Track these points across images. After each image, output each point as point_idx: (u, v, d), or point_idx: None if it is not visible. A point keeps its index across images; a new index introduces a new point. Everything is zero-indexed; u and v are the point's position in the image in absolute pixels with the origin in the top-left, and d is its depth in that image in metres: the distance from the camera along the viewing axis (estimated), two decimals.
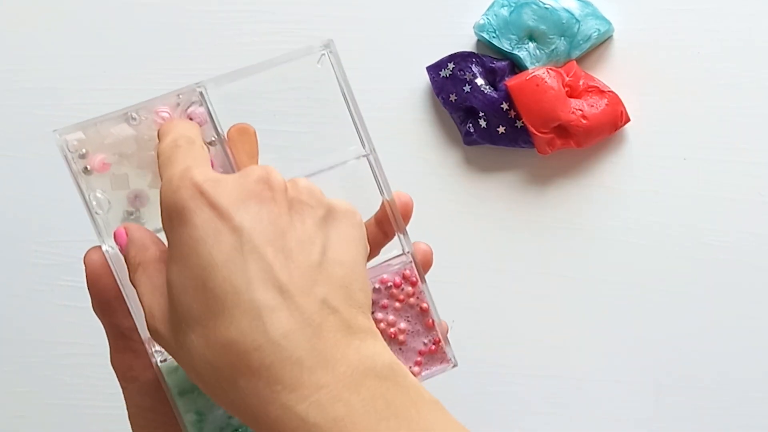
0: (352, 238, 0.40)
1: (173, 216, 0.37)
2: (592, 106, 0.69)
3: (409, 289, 0.48)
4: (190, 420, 0.45)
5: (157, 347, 0.45)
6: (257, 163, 0.45)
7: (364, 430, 0.34)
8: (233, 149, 0.45)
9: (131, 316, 0.43)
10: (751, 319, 0.71)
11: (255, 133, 0.46)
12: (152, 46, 0.72)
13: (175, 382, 0.45)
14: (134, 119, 0.43)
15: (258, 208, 0.36)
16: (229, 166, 0.45)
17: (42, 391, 0.73)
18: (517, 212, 0.71)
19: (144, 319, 0.40)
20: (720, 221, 0.70)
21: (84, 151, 0.42)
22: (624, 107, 0.69)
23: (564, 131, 0.69)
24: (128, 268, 0.41)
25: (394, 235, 0.48)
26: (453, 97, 0.70)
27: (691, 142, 0.70)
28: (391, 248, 0.49)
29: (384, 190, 0.47)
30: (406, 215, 0.47)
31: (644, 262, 0.71)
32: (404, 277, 0.48)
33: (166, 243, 0.39)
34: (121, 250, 0.41)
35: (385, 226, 0.48)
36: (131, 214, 0.44)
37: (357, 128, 0.46)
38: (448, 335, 0.50)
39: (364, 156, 0.47)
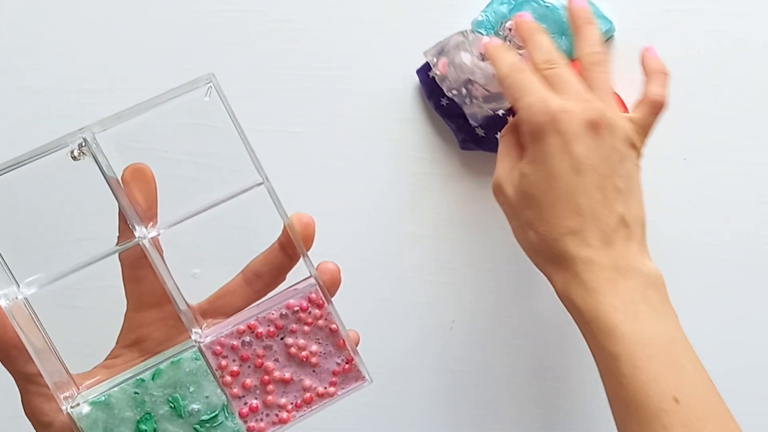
0: (639, 183, 0.56)
1: (534, 133, 0.54)
2: None
3: (317, 311, 0.49)
4: None
5: (66, 393, 0.45)
6: (155, 201, 0.47)
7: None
8: (128, 190, 0.45)
9: (33, 363, 0.44)
10: (750, 319, 0.71)
11: (151, 172, 0.46)
12: (154, 45, 0.72)
13: (87, 426, 0.45)
14: None
15: (590, 142, 0.53)
16: (126, 209, 0.45)
17: None
18: None
19: (51, 364, 0.45)
20: (720, 221, 0.70)
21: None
22: (626, 108, 0.69)
23: None
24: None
25: (299, 258, 0.48)
26: (444, 101, 0.70)
27: (691, 142, 0.70)
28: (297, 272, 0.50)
29: (282, 215, 0.47)
30: (308, 237, 0.48)
31: None
32: (310, 301, 0.49)
33: None
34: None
35: (289, 249, 0.49)
36: None
37: (250, 156, 0.46)
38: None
39: (260, 184, 0.47)
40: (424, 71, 0.70)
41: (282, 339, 0.48)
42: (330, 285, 0.49)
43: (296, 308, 0.49)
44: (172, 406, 0.47)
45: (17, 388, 0.46)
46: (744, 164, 0.70)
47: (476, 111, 0.67)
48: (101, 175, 0.45)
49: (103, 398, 0.46)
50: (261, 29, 0.71)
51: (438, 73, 0.67)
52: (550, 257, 0.55)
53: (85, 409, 0.45)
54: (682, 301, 0.72)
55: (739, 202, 0.70)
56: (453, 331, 0.72)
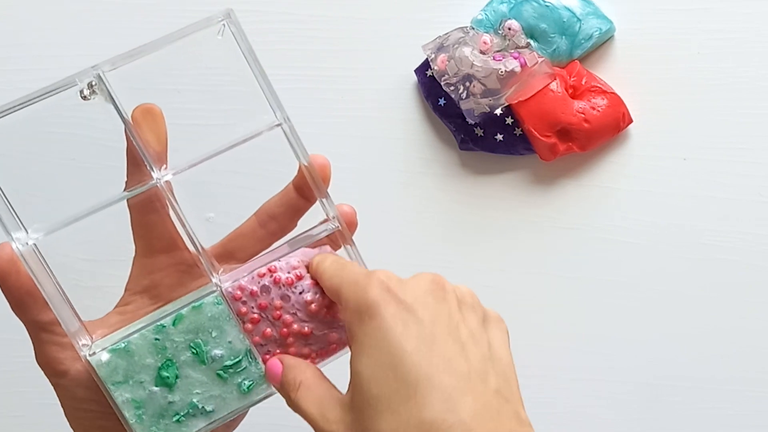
0: (504, 340, 0.44)
1: (363, 310, 0.41)
2: (594, 108, 0.69)
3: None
4: (129, 411, 0.44)
5: (83, 341, 0.44)
6: (166, 143, 0.45)
7: None
8: (139, 131, 0.44)
9: (50, 309, 0.43)
10: (750, 319, 0.71)
11: (161, 113, 0.44)
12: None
13: (107, 374, 0.44)
14: None
15: (435, 304, 0.41)
16: (142, 149, 0.43)
17: (42, 392, 0.73)
18: (516, 212, 0.71)
19: (65, 312, 0.43)
20: (720, 221, 0.70)
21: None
22: (626, 109, 0.69)
23: (566, 134, 0.69)
24: (288, 390, 0.44)
25: (316, 200, 0.47)
26: (442, 101, 0.70)
27: (691, 142, 0.70)
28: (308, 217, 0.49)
29: (300, 156, 0.46)
30: (325, 179, 0.47)
31: (644, 262, 0.71)
32: (331, 240, 0.48)
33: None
34: (275, 378, 0.45)
35: (305, 191, 0.48)
36: None
37: (267, 97, 0.45)
38: None
39: (277, 125, 0.45)
40: (423, 71, 0.70)
41: (300, 293, 0.46)
42: (348, 226, 0.48)
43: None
44: (195, 351, 0.45)
45: (30, 338, 0.45)
46: (744, 164, 0.70)
47: (473, 107, 0.67)
48: (114, 114, 0.43)
49: (122, 345, 0.44)
50: (260, 29, 0.71)
51: (436, 68, 0.67)
52: None
53: (105, 356, 0.44)
54: (682, 300, 0.72)
55: (739, 202, 0.70)
56: None
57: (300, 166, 0.46)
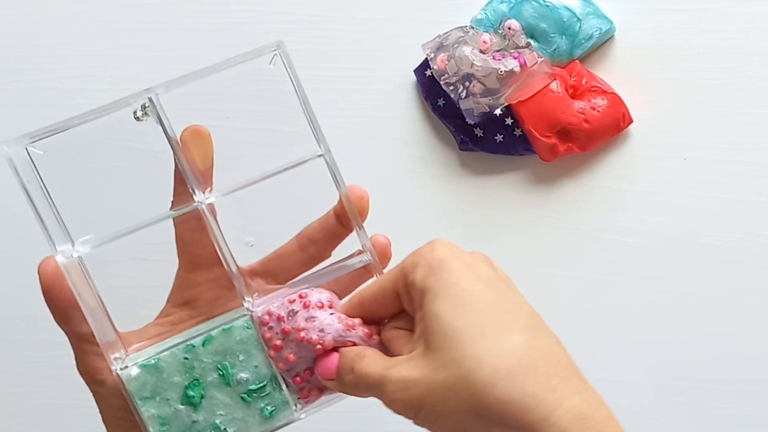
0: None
1: (434, 265, 0.44)
2: (595, 108, 0.69)
3: None
4: (154, 426, 0.45)
5: (116, 354, 0.45)
6: (212, 164, 0.47)
7: None
8: (186, 152, 0.45)
9: (87, 322, 0.44)
10: (750, 319, 0.71)
11: (209, 135, 0.46)
12: (154, 46, 0.72)
13: (136, 389, 0.45)
14: None
15: (488, 269, 0.45)
16: (187, 171, 0.45)
17: (42, 391, 0.73)
18: (516, 212, 0.71)
19: (102, 324, 0.44)
20: (720, 221, 0.70)
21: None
22: (627, 109, 0.69)
23: (566, 135, 0.69)
24: (345, 371, 0.45)
25: (352, 229, 0.49)
26: (441, 102, 0.70)
27: (691, 142, 0.70)
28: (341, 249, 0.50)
29: (340, 185, 0.47)
30: (362, 210, 0.49)
31: (644, 262, 0.71)
32: (367, 272, 0.49)
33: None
34: (331, 368, 0.46)
35: (344, 219, 0.49)
36: None
37: (312, 127, 0.46)
38: None
39: (320, 156, 0.47)
40: (422, 71, 0.70)
41: (332, 315, 0.47)
42: (381, 258, 0.49)
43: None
44: (221, 373, 0.46)
45: (71, 348, 0.46)
46: (744, 164, 0.70)
47: (472, 107, 0.67)
48: (163, 135, 0.44)
49: (152, 361, 0.45)
50: (259, 29, 0.71)
51: (436, 67, 0.67)
52: None
53: (135, 371, 0.45)
54: (683, 300, 0.72)
55: (739, 202, 0.70)
56: None
57: (340, 195, 0.48)
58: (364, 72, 0.71)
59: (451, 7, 0.70)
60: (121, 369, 0.45)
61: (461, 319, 0.42)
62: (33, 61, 0.72)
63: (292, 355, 0.47)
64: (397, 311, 0.47)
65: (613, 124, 0.69)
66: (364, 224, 0.48)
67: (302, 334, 0.46)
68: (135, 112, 0.44)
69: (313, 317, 0.46)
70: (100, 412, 0.47)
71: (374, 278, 0.49)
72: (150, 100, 0.44)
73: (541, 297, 0.72)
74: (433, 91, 0.70)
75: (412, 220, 0.72)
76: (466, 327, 0.42)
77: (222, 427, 0.46)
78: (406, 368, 0.43)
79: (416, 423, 0.43)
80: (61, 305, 0.45)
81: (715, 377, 0.72)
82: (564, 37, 0.69)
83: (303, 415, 0.48)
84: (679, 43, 0.70)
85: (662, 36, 0.70)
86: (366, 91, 0.71)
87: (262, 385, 0.47)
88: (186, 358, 0.46)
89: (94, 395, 0.47)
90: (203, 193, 0.46)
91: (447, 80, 0.67)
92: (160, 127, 0.44)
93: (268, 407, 0.47)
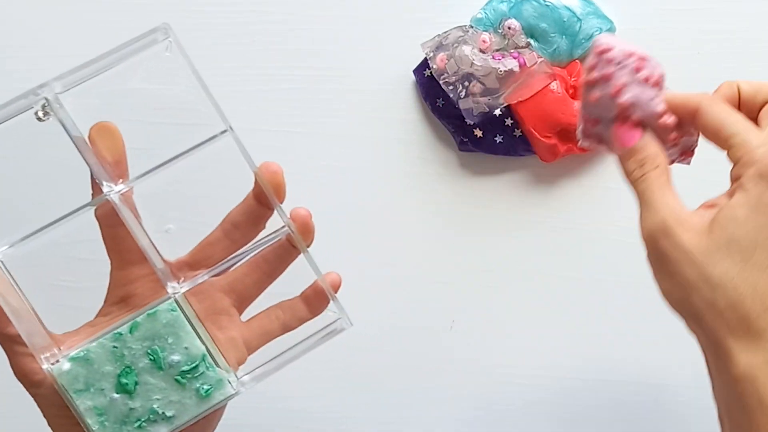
0: None
1: (765, 174, 0.43)
2: None
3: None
4: (92, 418, 0.45)
5: (47, 353, 0.45)
6: (124, 157, 0.47)
7: None
8: (95, 149, 0.45)
9: (22, 323, 0.44)
10: None
11: (117, 129, 0.46)
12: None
13: (68, 382, 0.45)
14: None
15: None
16: (92, 165, 0.45)
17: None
18: (516, 212, 0.71)
19: (30, 325, 0.45)
20: None
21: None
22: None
23: (566, 135, 0.69)
24: (633, 165, 0.47)
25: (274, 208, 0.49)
26: (440, 102, 0.70)
27: None
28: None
29: (249, 164, 0.47)
30: (277, 186, 0.48)
31: (644, 262, 0.71)
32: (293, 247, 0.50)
33: None
34: (627, 142, 0.47)
35: (263, 199, 0.49)
36: None
37: (213, 106, 0.46)
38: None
39: (223, 132, 0.47)
40: (421, 71, 0.70)
41: (653, 100, 0.47)
42: (303, 232, 0.49)
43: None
44: (152, 358, 0.47)
45: (4, 351, 0.46)
46: None
47: (472, 106, 0.67)
48: (70, 131, 0.44)
49: (82, 353, 0.46)
50: (259, 29, 0.71)
51: (435, 67, 0.67)
52: (742, 327, 0.43)
53: (66, 365, 0.45)
54: None
55: None
56: (453, 331, 0.72)
57: (255, 175, 0.48)
58: (363, 72, 0.71)
59: (451, 7, 0.70)
60: (51, 365, 0.45)
61: (748, 235, 0.42)
62: (34, 61, 0.72)
63: (595, 97, 0.46)
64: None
65: None
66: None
67: (621, 90, 0.46)
68: (36, 113, 0.44)
69: (641, 82, 0.46)
70: (44, 415, 0.47)
71: (301, 255, 0.50)
72: (47, 100, 0.44)
73: (541, 297, 0.72)
74: (432, 91, 0.69)
75: (411, 221, 0.72)
76: (745, 245, 0.42)
77: (160, 411, 0.46)
78: (689, 226, 0.44)
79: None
80: None
81: None
82: (564, 36, 0.69)
83: (242, 389, 0.48)
84: (680, 43, 0.70)
85: (662, 36, 0.70)
86: (365, 91, 0.71)
87: (194, 365, 0.47)
88: (115, 347, 0.46)
89: (34, 398, 0.47)
90: (115, 184, 0.46)
91: (446, 80, 0.67)
92: (62, 127, 0.44)
93: (204, 386, 0.47)
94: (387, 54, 0.71)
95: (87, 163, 0.45)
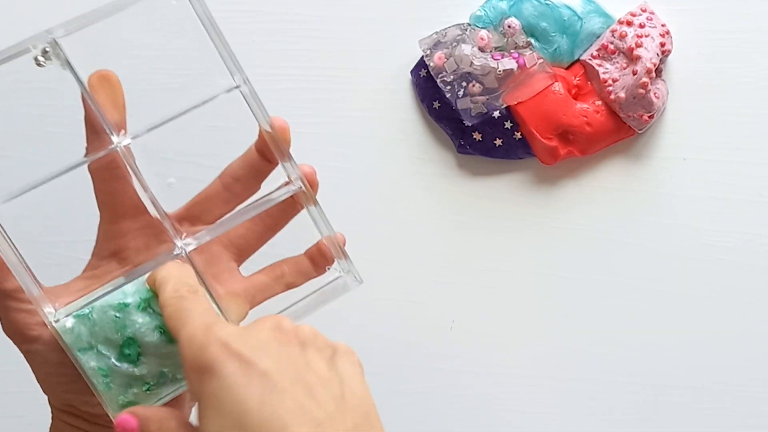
0: (357, 373, 0.42)
1: (203, 371, 0.38)
2: (598, 111, 0.69)
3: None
4: (97, 378, 0.44)
5: (49, 308, 0.44)
6: (124, 109, 0.45)
7: None
8: (96, 97, 0.44)
9: (13, 277, 0.43)
10: (750, 320, 0.71)
11: (117, 78, 0.44)
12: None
13: (72, 340, 0.43)
14: None
15: (277, 351, 0.39)
16: (100, 112, 0.43)
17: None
18: (516, 212, 0.71)
19: (27, 279, 0.43)
20: (720, 221, 0.70)
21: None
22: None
23: (567, 138, 0.69)
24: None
25: (278, 162, 0.48)
26: (437, 104, 0.70)
27: (691, 142, 0.70)
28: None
29: (262, 119, 0.46)
30: (286, 140, 0.47)
31: (644, 262, 0.71)
32: (296, 203, 0.49)
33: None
34: None
35: (266, 153, 0.48)
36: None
37: (224, 60, 0.45)
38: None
39: (235, 88, 0.45)
40: (417, 71, 0.70)
41: None
42: (310, 188, 0.49)
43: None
44: (162, 331, 0.44)
45: None
46: (744, 164, 0.70)
47: (469, 106, 0.67)
48: (69, 80, 0.42)
49: (86, 311, 0.44)
50: (258, 29, 0.71)
51: (432, 64, 0.67)
52: None
53: (69, 322, 0.43)
54: (683, 300, 0.72)
55: (739, 202, 0.70)
56: (453, 331, 0.72)
57: (260, 130, 0.47)
58: (362, 72, 0.71)
59: (450, 7, 0.70)
60: (55, 322, 0.43)
61: None
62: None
63: None
64: None
65: (616, 128, 0.69)
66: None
67: None
68: (36, 58, 0.42)
69: None
70: (35, 373, 0.46)
71: (304, 210, 0.49)
72: (54, 42, 0.42)
73: (541, 297, 0.72)
74: (428, 93, 0.69)
75: (411, 221, 0.72)
76: None
77: (170, 375, 0.45)
78: None
79: None
80: None
81: (714, 377, 0.72)
82: (565, 36, 0.69)
83: None
84: (680, 43, 0.70)
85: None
86: (364, 91, 0.71)
87: None
88: (117, 317, 0.44)
89: (25, 355, 0.45)
90: (118, 135, 0.44)
91: (444, 78, 0.67)
92: (68, 71, 0.42)
93: None
94: (386, 54, 0.71)
95: (93, 111, 0.43)
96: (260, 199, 0.49)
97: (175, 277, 0.43)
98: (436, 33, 0.68)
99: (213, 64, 0.44)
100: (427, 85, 0.69)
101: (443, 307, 0.72)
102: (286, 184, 0.48)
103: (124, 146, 0.44)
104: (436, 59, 0.67)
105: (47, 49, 0.42)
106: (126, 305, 0.44)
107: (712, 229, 0.71)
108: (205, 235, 0.47)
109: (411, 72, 0.70)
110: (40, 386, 0.46)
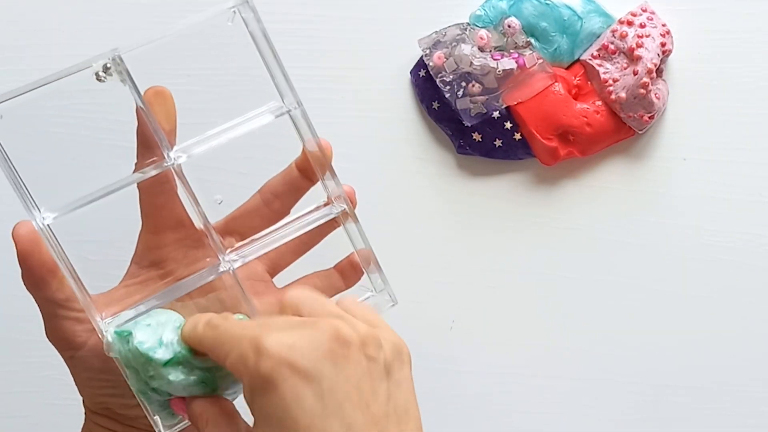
0: (409, 379, 0.43)
1: (257, 387, 0.38)
2: (598, 112, 0.69)
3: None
4: (140, 391, 0.44)
5: (98, 317, 0.44)
6: (175, 124, 0.46)
7: None
8: (151, 114, 0.45)
9: (65, 286, 0.44)
10: (750, 320, 0.71)
11: (171, 95, 0.46)
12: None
13: (122, 354, 0.43)
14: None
15: (335, 368, 0.38)
16: (157, 129, 0.44)
17: (42, 391, 0.73)
18: (516, 212, 0.71)
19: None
20: (720, 221, 0.70)
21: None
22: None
23: (567, 138, 0.69)
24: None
25: (317, 180, 0.49)
26: (436, 104, 0.70)
27: (691, 142, 0.70)
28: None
29: (309, 141, 0.47)
30: (329, 160, 0.49)
31: (644, 262, 0.71)
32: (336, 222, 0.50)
33: None
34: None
35: (308, 172, 0.49)
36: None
37: (276, 82, 0.46)
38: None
39: (287, 112, 0.47)
40: (417, 72, 0.70)
41: None
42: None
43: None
44: (204, 382, 0.44)
45: (42, 315, 0.45)
46: (744, 164, 0.70)
47: (469, 107, 0.67)
48: (123, 97, 0.44)
49: (126, 332, 0.44)
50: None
51: (432, 64, 0.67)
52: None
53: (110, 336, 0.44)
54: (683, 301, 0.72)
55: (739, 202, 0.70)
56: (453, 331, 0.72)
57: (303, 148, 0.48)
58: (361, 72, 0.71)
59: (450, 7, 0.70)
60: (106, 332, 0.44)
61: None
62: (34, 61, 0.72)
63: None
64: None
65: (615, 128, 0.69)
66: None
67: None
68: (97, 73, 0.43)
69: None
70: (75, 377, 0.46)
71: (341, 227, 0.50)
72: (117, 58, 0.43)
73: (541, 297, 0.72)
74: (428, 93, 0.69)
75: (411, 221, 0.72)
76: None
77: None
78: None
79: None
80: (40, 271, 0.43)
81: (714, 377, 0.72)
82: (565, 36, 0.69)
83: None
84: (679, 42, 0.69)
85: None
86: (364, 91, 0.71)
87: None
88: (149, 363, 0.43)
89: (67, 361, 0.46)
90: (169, 150, 0.45)
91: (443, 78, 0.67)
92: (128, 87, 0.44)
93: None
94: (386, 54, 0.71)
95: (149, 126, 0.44)
96: (301, 216, 0.50)
97: (201, 318, 0.43)
98: (436, 32, 0.68)
99: (266, 85, 0.46)
100: (426, 85, 0.69)
101: (443, 307, 0.72)
102: (326, 204, 0.49)
103: (178, 165, 0.45)
104: (436, 59, 0.67)
105: (108, 65, 0.43)
106: (157, 360, 0.43)
107: (712, 229, 0.70)
108: (251, 254, 0.47)
109: (410, 72, 0.70)
110: (78, 389, 0.47)
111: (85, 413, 0.48)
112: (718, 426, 0.72)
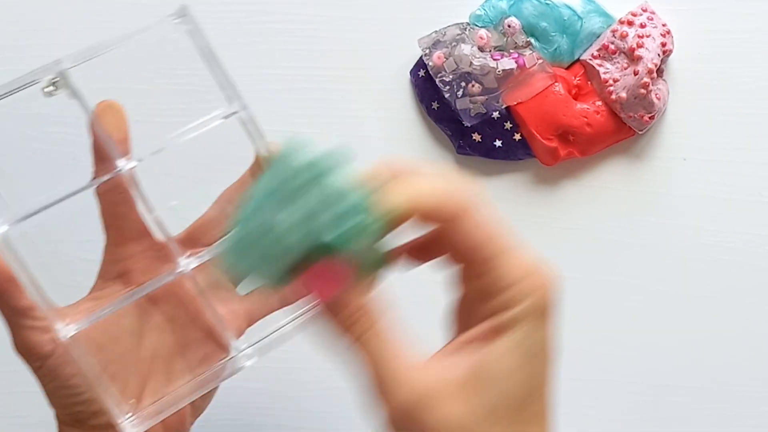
0: None
1: (540, 311, 0.40)
2: (599, 112, 0.69)
3: None
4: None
5: (60, 324, 0.45)
6: (127, 136, 0.46)
7: None
8: (102, 125, 0.45)
9: (26, 295, 0.44)
10: (751, 320, 0.71)
11: (121, 108, 0.46)
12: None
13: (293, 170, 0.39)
14: None
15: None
16: (106, 139, 0.45)
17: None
18: (516, 212, 0.71)
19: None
20: (720, 221, 0.70)
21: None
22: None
23: (568, 138, 0.69)
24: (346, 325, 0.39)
25: None
26: (435, 105, 0.70)
27: (691, 142, 0.70)
28: None
29: (259, 145, 0.47)
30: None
31: (644, 262, 0.71)
32: None
33: None
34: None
35: None
36: None
37: (223, 88, 0.46)
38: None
39: (232, 114, 0.47)
40: (416, 72, 0.70)
41: None
42: None
43: None
44: None
45: (7, 326, 0.46)
46: (744, 164, 0.70)
47: (469, 107, 0.67)
48: (74, 108, 0.44)
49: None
50: (258, 29, 0.71)
51: (431, 64, 0.67)
52: None
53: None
54: (683, 301, 0.72)
55: (739, 202, 0.70)
56: None
57: (256, 155, 0.48)
58: (361, 72, 0.71)
59: (450, 7, 0.70)
60: (69, 337, 0.44)
61: (519, 393, 0.37)
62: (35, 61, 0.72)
63: None
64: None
65: (616, 129, 0.69)
66: None
67: None
68: (44, 88, 0.44)
69: None
70: (45, 389, 0.47)
71: None
72: (62, 72, 0.44)
73: None
74: (427, 93, 0.69)
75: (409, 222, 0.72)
76: (514, 404, 0.37)
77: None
78: (445, 406, 0.37)
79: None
80: (0, 280, 0.44)
81: (714, 377, 0.72)
82: (565, 36, 0.69)
83: (247, 363, 0.48)
84: (679, 42, 0.69)
85: None
86: (364, 91, 0.71)
87: None
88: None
89: (36, 372, 0.46)
90: (123, 160, 0.46)
91: (443, 78, 0.67)
92: (76, 101, 0.44)
93: None
94: (385, 54, 0.71)
95: (98, 137, 0.45)
96: None
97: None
98: (436, 32, 0.68)
99: (213, 92, 0.46)
100: (426, 85, 0.69)
101: (443, 308, 0.72)
102: None
103: (129, 169, 0.46)
104: (435, 59, 0.67)
105: (55, 80, 0.44)
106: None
107: (712, 229, 0.71)
108: (206, 255, 0.48)
109: (410, 72, 0.70)
110: (49, 401, 0.48)
111: (58, 426, 0.48)
112: (718, 426, 0.72)
